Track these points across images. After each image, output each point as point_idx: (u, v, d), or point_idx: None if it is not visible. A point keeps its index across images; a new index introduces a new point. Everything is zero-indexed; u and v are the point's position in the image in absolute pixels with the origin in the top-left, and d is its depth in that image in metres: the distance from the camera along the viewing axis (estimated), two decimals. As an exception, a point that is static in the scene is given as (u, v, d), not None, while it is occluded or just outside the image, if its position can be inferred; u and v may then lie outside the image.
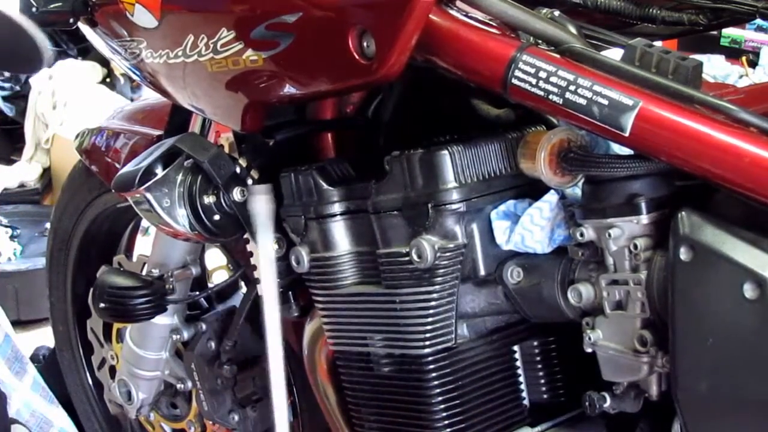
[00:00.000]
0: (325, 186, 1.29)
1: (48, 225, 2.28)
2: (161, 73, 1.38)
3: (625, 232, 1.07)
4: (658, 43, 1.08)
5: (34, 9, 1.41)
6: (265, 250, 1.34)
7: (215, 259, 1.91)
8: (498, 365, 1.26)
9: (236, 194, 1.35)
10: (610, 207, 1.08)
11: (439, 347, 1.21)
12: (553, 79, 1.02)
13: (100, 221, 2.09)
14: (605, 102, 0.99)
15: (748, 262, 0.94)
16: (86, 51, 4.31)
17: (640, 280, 1.06)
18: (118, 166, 1.83)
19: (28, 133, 4.29)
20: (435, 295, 1.19)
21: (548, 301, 1.16)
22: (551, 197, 1.15)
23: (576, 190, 1.15)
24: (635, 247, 1.06)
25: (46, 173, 4.27)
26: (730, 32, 4.08)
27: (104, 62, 4.28)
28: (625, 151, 1.05)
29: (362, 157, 1.33)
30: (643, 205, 1.06)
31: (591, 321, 1.12)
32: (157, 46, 1.34)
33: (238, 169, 1.35)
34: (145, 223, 1.95)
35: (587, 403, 1.15)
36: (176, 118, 1.62)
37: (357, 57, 1.10)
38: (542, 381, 1.28)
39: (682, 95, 0.97)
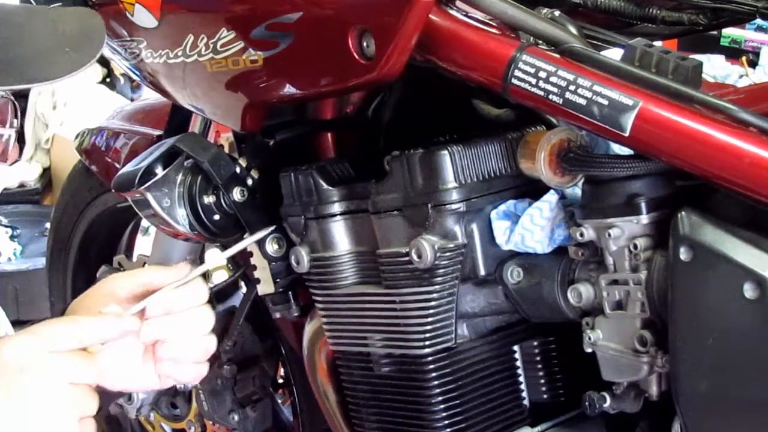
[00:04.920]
0: (325, 186, 1.29)
1: (48, 225, 2.28)
2: (161, 73, 1.38)
3: (625, 232, 1.07)
4: (658, 43, 1.08)
5: (33, 9, 1.41)
6: None
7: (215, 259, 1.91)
8: (498, 365, 1.26)
9: (236, 194, 1.34)
10: (610, 207, 1.08)
11: (439, 347, 1.20)
12: (553, 79, 1.02)
13: (100, 221, 2.08)
14: (605, 102, 0.99)
15: (748, 262, 0.94)
16: (86, 51, 4.30)
17: (640, 280, 1.06)
18: (118, 166, 1.83)
19: (28, 133, 4.28)
20: (435, 295, 1.19)
21: (548, 301, 1.16)
22: (551, 197, 1.15)
23: (576, 190, 1.15)
24: (635, 247, 1.06)
25: (46, 173, 4.27)
26: (730, 32, 4.08)
27: (104, 62, 4.28)
28: (625, 151, 1.05)
29: (362, 157, 1.33)
30: (643, 205, 1.06)
31: (591, 321, 1.12)
32: (157, 46, 1.34)
33: (238, 169, 1.35)
34: (145, 223, 1.95)
35: (587, 403, 1.15)
36: (176, 118, 1.62)
37: (357, 57, 1.10)
38: (542, 381, 1.28)
39: (682, 95, 0.97)
